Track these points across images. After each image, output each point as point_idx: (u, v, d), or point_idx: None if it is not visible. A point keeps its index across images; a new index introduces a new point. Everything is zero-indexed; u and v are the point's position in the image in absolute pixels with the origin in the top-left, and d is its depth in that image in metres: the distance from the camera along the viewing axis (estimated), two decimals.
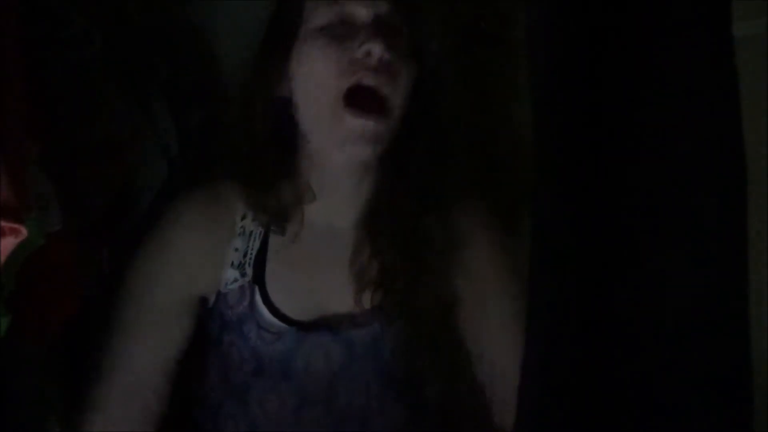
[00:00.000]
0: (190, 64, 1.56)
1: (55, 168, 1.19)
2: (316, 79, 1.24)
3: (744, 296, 1.34)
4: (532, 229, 1.49)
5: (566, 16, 1.43)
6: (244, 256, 1.30)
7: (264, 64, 1.29)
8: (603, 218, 1.42)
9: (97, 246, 1.34)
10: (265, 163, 1.28)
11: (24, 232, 1.02)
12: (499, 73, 1.62)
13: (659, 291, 1.38)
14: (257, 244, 1.30)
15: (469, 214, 1.37)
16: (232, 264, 1.30)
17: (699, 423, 1.33)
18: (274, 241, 1.31)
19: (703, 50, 1.34)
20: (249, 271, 1.29)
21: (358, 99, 1.22)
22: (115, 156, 1.36)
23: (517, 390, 1.34)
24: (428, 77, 1.29)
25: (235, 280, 1.29)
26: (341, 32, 1.24)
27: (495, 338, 1.31)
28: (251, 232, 1.31)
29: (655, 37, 1.37)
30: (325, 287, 1.31)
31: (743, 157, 1.35)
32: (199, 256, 1.30)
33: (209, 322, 1.33)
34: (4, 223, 1.00)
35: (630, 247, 1.41)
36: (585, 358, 1.42)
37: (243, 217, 1.31)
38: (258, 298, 1.29)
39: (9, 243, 1.02)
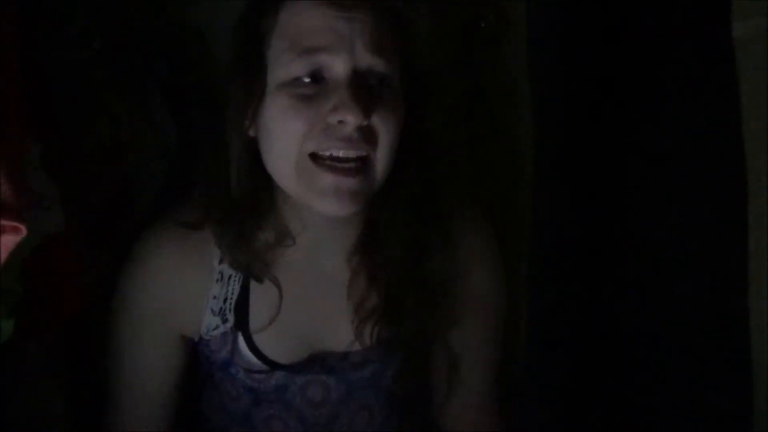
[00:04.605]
0: (190, 64, 1.56)
1: (56, 169, 1.19)
2: (281, 143, 1.11)
3: (744, 296, 1.34)
4: (533, 229, 1.49)
5: (567, 17, 1.43)
6: (224, 302, 1.23)
7: (235, 104, 1.15)
8: (603, 220, 1.42)
9: (97, 246, 1.33)
10: (240, 208, 1.17)
11: (24, 230, 1.01)
12: (498, 74, 1.61)
13: (659, 293, 1.38)
14: (237, 288, 1.23)
15: (470, 233, 1.30)
16: (212, 311, 1.24)
17: (699, 422, 1.33)
18: (255, 283, 1.24)
19: (703, 50, 1.34)
20: (230, 317, 1.23)
21: (330, 160, 1.10)
22: (115, 156, 1.35)
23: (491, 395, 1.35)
24: (420, 101, 1.18)
25: (216, 327, 1.24)
26: (311, 91, 1.09)
27: (472, 355, 1.32)
28: (230, 276, 1.23)
29: (655, 37, 1.37)
30: (315, 327, 1.26)
31: (743, 157, 1.35)
32: (175, 298, 1.24)
33: (197, 358, 1.31)
34: (3, 222, 0.99)
35: (630, 247, 1.41)
36: (584, 359, 1.42)
37: (220, 261, 1.23)
38: (241, 343, 1.24)
39: (9, 241, 1.01)
